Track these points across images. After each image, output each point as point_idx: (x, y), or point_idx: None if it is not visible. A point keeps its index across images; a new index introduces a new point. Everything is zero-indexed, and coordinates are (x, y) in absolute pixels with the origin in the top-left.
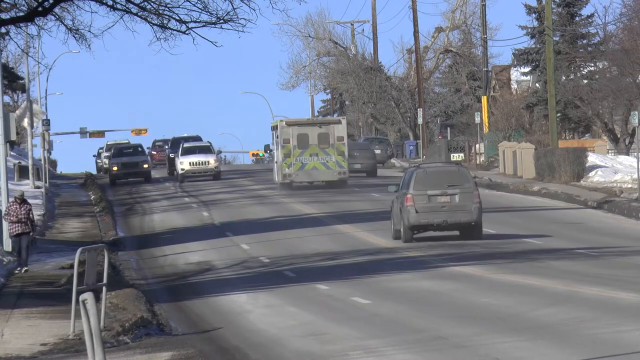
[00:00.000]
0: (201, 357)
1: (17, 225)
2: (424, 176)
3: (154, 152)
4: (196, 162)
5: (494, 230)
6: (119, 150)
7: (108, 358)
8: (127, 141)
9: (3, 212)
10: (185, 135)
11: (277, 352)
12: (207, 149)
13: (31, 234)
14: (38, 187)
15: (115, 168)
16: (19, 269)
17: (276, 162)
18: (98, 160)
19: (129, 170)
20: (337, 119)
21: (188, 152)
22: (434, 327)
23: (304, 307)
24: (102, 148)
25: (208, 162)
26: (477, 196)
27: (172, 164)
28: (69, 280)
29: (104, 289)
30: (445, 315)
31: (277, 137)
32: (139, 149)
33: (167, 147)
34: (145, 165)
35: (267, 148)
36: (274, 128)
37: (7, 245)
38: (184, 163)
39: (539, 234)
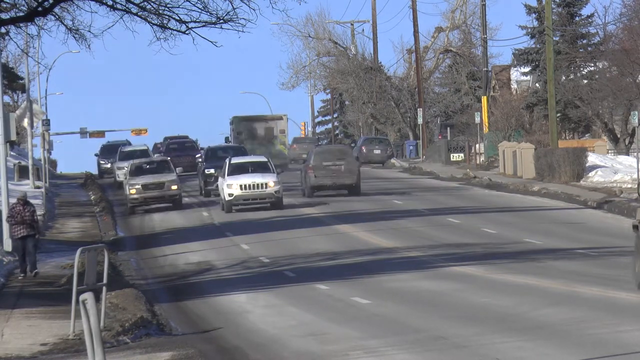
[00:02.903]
0: (201, 357)
1: (21, 227)
2: (320, 152)
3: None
4: (250, 185)
5: (494, 230)
6: (138, 167)
7: (108, 358)
8: (144, 147)
9: (5, 213)
10: (224, 144)
11: (277, 352)
12: (264, 167)
13: (37, 236)
14: (38, 187)
15: (133, 191)
16: (22, 275)
17: None
18: (101, 162)
19: (153, 194)
20: (280, 115)
21: (238, 170)
22: (434, 327)
23: (304, 307)
24: (111, 152)
25: (266, 184)
26: (357, 166)
27: (207, 182)
28: (69, 280)
29: (104, 289)
30: (445, 315)
31: (233, 130)
32: (165, 164)
33: (199, 158)
34: (174, 187)
35: (226, 139)
36: (231, 122)
37: (7, 245)
38: (232, 186)
39: (539, 234)
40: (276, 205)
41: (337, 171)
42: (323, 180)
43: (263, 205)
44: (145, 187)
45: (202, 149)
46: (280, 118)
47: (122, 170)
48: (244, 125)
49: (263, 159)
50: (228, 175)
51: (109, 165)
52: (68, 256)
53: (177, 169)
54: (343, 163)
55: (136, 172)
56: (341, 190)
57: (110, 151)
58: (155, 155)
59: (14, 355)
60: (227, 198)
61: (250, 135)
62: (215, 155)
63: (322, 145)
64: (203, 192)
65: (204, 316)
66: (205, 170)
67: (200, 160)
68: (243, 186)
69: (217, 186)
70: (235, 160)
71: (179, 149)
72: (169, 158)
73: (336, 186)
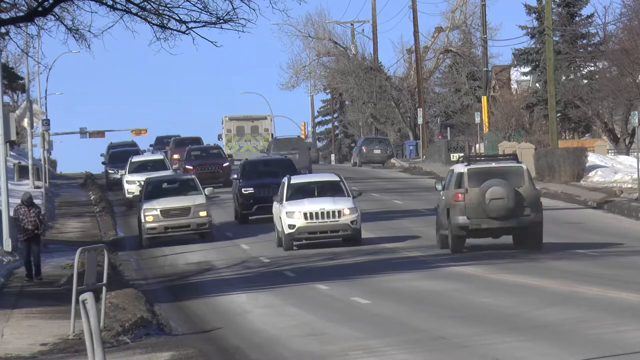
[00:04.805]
0: (201, 357)
1: (26, 231)
2: (278, 143)
3: (188, 167)
4: (318, 214)
5: None
6: (155, 187)
7: (108, 358)
8: (160, 157)
9: (5, 213)
10: (265, 157)
11: (277, 352)
12: (335, 188)
13: (41, 237)
14: (38, 187)
15: (150, 218)
16: (27, 279)
17: (223, 145)
18: (110, 171)
19: (175, 222)
20: (264, 115)
21: (300, 192)
22: (434, 327)
23: (304, 307)
24: (120, 159)
25: (339, 212)
26: (309, 154)
27: (245, 204)
28: (69, 280)
29: (104, 289)
30: (445, 315)
31: (223, 128)
32: (191, 183)
33: (234, 176)
34: (203, 213)
35: (219, 137)
36: (222, 122)
37: (7, 245)
38: (294, 215)
39: None
40: (353, 240)
41: (292, 159)
42: None
43: (335, 240)
44: (165, 213)
45: (229, 156)
46: (265, 118)
47: (132, 185)
48: (233, 124)
49: (334, 177)
50: (287, 199)
51: (119, 176)
52: (68, 256)
53: (206, 188)
54: (297, 152)
55: (153, 193)
56: None
57: (119, 158)
58: (175, 167)
59: (14, 355)
60: (287, 230)
61: (238, 133)
62: (255, 170)
63: (280, 137)
64: (239, 216)
65: (204, 316)
66: (243, 190)
67: (235, 177)
68: (308, 215)
69: (256, 209)
70: (297, 179)
71: (203, 157)
72: (194, 175)
73: None
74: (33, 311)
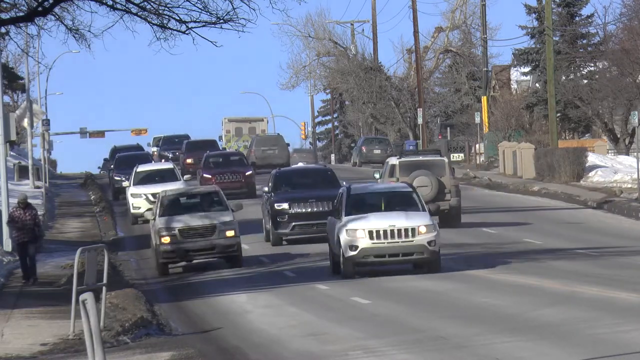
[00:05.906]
0: (201, 357)
1: (22, 232)
2: (259, 140)
3: (207, 176)
4: (387, 232)
5: (494, 230)
6: (173, 202)
7: (108, 358)
8: (170, 166)
9: (5, 214)
10: (300, 166)
11: (276, 352)
12: (407, 201)
13: (38, 240)
14: (38, 187)
15: (166, 240)
16: (24, 281)
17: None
18: (116, 177)
19: (197, 244)
20: (261, 117)
21: (365, 206)
22: (434, 327)
23: (304, 307)
24: (128, 164)
25: (413, 230)
26: (287, 150)
27: (277, 222)
28: (69, 280)
29: (104, 289)
30: (445, 315)
31: (223, 129)
32: (214, 196)
33: (265, 190)
34: (231, 233)
35: (220, 138)
36: (222, 123)
37: (7, 245)
38: (357, 233)
39: (539, 233)
40: (429, 267)
41: (272, 154)
42: (262, 160)
43: (406, 264)
44: (184, 233)
45: (253, 163)
46: (262, 119)
47: (138, 198)
48: (231, 125)
49: (405, 187)
50: (347, 214)
51: (126, 183)
52: (68, 256)
53: (233, 203)
54: (276, 148)
55: (170, 209)
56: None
57: (126, 163)
58: (186, 177)
59: (14, 355)
60: (349, 253)
61: (236, 133)
62: (289, 182)
63: (261, 135)
64: (272, 238)
65: (204, 316)
66: (275, 205)
67: (266, 191)
68: (374, 233)
69: (293, 228)
70: (359, 190)
71: (222, 164)
72: (217, 187)
73: (271, 166)
74: (33, 311)
